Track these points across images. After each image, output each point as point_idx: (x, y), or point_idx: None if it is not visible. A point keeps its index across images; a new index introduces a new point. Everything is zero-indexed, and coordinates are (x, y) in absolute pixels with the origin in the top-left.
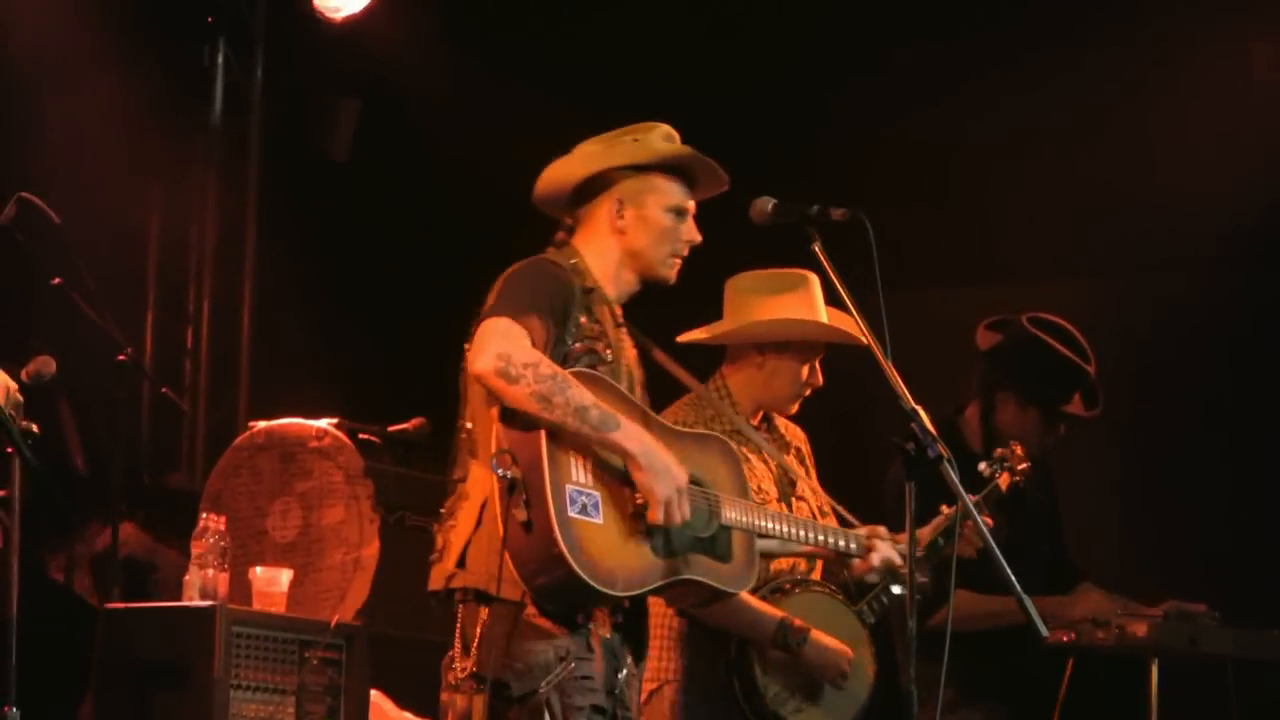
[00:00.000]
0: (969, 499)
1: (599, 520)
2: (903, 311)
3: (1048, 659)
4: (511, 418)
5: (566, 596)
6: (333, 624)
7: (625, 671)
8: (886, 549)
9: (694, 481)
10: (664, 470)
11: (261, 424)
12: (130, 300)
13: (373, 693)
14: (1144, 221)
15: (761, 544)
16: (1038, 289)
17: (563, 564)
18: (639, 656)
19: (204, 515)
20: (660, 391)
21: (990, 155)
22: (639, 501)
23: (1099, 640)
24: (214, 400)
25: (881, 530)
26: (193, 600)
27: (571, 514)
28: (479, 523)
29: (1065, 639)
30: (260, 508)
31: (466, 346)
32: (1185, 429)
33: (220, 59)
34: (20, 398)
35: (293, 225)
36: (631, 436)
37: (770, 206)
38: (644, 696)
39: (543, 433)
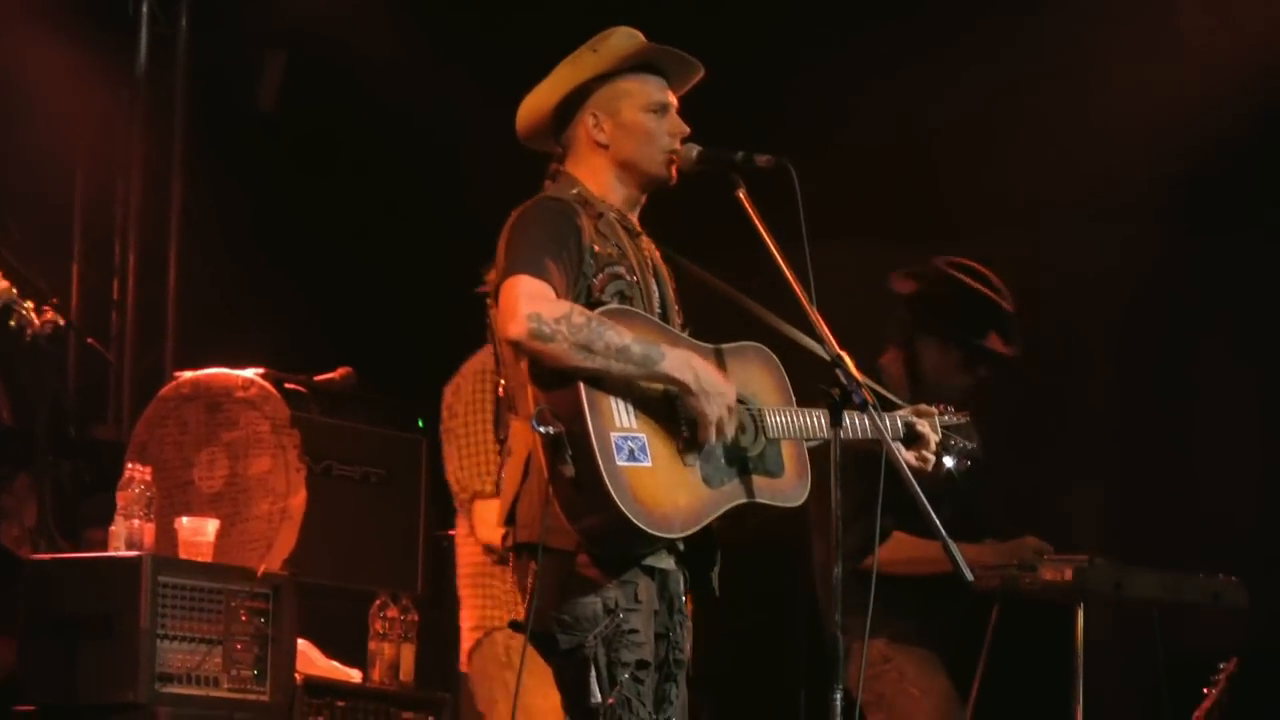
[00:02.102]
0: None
1: (648, 463)
2: (831, 260)
3: (974, 605)
4: (543, 373)
5: (625, 547)
6: (260, 574)
7: (678, 612)
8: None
9: (738, 398)
10: (715, 391)
11: (188, 374)
12: (56, 252)
13: (300, 642)
14: (1073, 176)
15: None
16: (965, 240)
17: (619, 518)
18: (700, 579)
19: (130, 465)
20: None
21: (923, 109)
22: (685, 434)
23: (1025, 586)
24: (140, 351)
25: (923, 407)
26: (119, 551)
27: (620, 463)
28: (525, 476)
29: (991, 585)
30: (186, 458)
31: (489, 303)
32: (1108, 380)
33: (145, 9)
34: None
35: (219, 176)
36: (678, 364)
37: (695, 154)
38: (469, 644)
39: (581, 383)
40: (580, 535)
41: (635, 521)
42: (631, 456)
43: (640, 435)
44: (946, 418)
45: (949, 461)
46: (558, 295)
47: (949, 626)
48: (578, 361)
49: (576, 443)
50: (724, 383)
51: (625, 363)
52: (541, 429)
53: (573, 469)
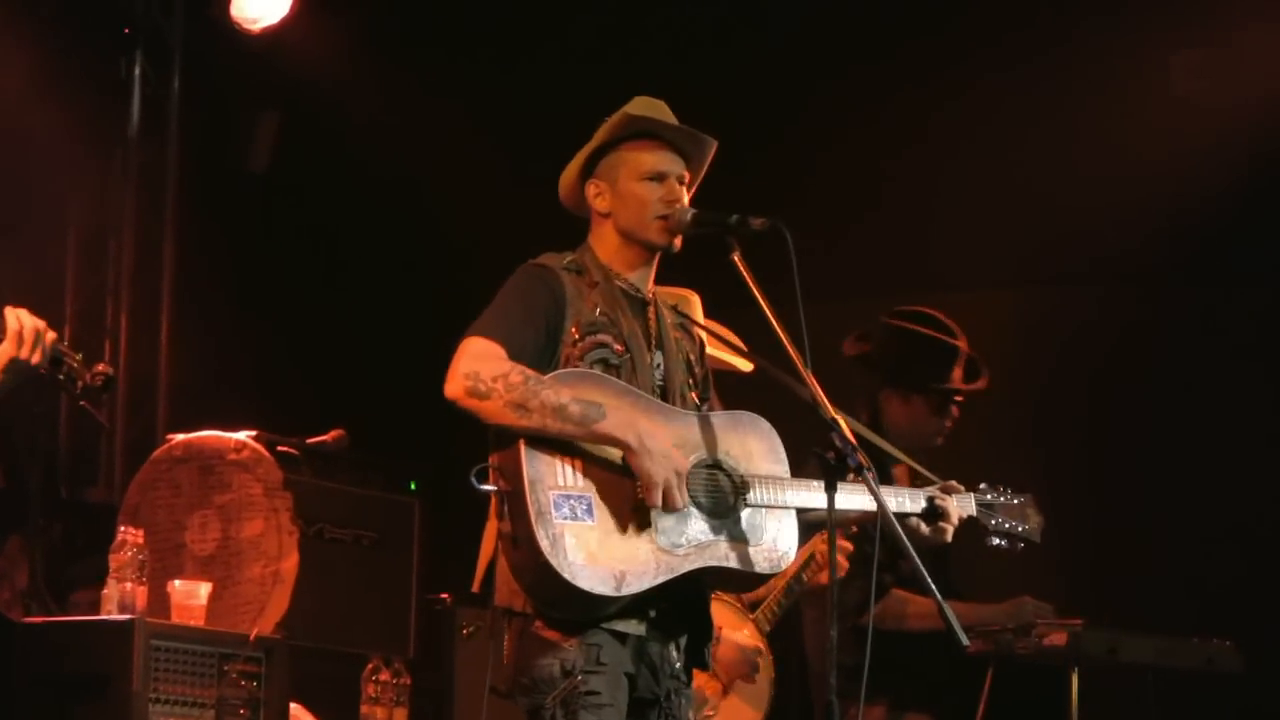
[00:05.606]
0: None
1: (591, 522)
2: (829, 321)
3: (968, 668)
4: (494, 432)
5: (569, 606)
6: (252, 637)
7: (671, 679)
8: (960, 503)
9: (715, 464)
10: (660, 454)
11: (180, 437)
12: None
13: (292, 705)
14: (1064, 233)
15: (811, 515)
16: (963, 298)
17: (552, 574)
18: (695, 653)
19: (122, 528)
20: None
21: (915, 167)
22: (640, 494)
23: (1019, 649)
24: (132, 413)
25: (952, 484)
26: (111, 614)
27: (557, 520)
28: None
29: (985, 648)
30: (179, 521)
31: None
32: (1103, 438)
33: (137, 71)
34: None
35: (211, 238)
36: (619, 424)
37: (689, 216)
38: None
39: (520, 442)
40: (530, 597)
41: (570, 580)
42: (573, 515)
43: (586, 495)
44: (991, 496)
45: (996, 542)
46: (511, 357)
47: (943, 689)
48: (513, 419)
49: (514, 500)
50: (673, 450)
51: (563, 421)
52: (483, 487)
53: (509, 525)
